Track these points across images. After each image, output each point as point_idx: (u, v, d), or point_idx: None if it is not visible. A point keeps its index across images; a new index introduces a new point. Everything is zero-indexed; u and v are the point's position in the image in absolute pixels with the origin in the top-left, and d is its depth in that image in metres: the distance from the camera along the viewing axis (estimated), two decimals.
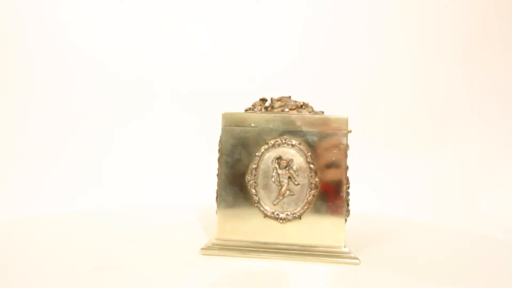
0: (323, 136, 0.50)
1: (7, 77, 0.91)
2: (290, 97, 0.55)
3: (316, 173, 0.49)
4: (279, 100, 0.55)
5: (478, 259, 0.54)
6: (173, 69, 1.02)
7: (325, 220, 0.49)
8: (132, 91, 0.99)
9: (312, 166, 0.49)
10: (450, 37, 0.97)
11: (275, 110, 0.54)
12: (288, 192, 0.50)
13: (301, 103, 0.53)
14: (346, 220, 0.51)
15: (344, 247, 0.49)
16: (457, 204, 0.87)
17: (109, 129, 0.97)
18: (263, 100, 0.55)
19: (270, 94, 0.59)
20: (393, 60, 1.00)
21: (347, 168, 0.51)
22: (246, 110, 0.54)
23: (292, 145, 0.50)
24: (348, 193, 0.53)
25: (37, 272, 0.41)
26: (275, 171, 0.50)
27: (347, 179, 0.51)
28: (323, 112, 0.52)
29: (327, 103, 0.65)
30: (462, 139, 0.96)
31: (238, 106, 0.56)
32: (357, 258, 0.48)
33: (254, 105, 0.55)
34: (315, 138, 0.50)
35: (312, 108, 0.53)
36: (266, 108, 0.54)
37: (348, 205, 0.52)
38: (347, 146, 0.50)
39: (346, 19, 1.02)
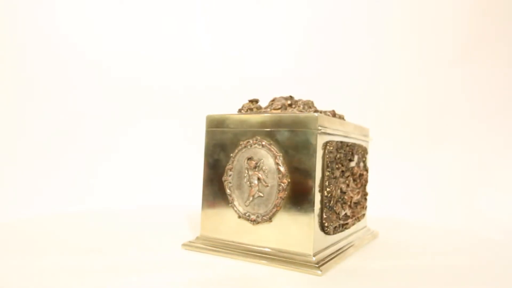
0: (292, 136, 0.47)
1: (7, 77, 0.91)
2: (291, 97, 0.54)
3: (284, 174, 0.46)
4: (272, 100, 0.54)
5: (477, 259, 0.53)
6: (173, 69, 1.02)
7: (295, 225, 0.46)
8: (132, 91, 1.00)
9: (280, 167, 0.47)
10: (450, 37, 0.97)
11: (263, 111, 0.53)
12: (258, 193, 0.48)
13: (289, 102, 0.52)
14: (328, 227, 0.47)
15: (314, 255, 0.45)
16: (456, 204, 0.87)
17: (109, 129, 0.97)
18: (252, 101, 0.55)
19: (270, 94, 0.59)
20: (393, 60, 1.00)
21: (326, 171, 0.47)
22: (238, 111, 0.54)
23: (262, 146, 0.48)
24: (337, 200, 0.49)
25: (37, 272, 0.41)
26: (246, 171, 0.49)
27: (331, 186, 0.47)
28: (317, 111, 0.50)
29: (327, 103, 0.65)
30: (462, 139, 0.95)
31: (238, 106, 0.56)
32: (319, 269, 0.43)
33: (243, 106, 0.55)
34: (285, 138, 0.47)
35: (306, 107, 0.51)
36: (251, 109, 0.54)
37: (336, 212, 0.49)
38: (316, 145, 0.45)
39: (346, 19, 1.02)
